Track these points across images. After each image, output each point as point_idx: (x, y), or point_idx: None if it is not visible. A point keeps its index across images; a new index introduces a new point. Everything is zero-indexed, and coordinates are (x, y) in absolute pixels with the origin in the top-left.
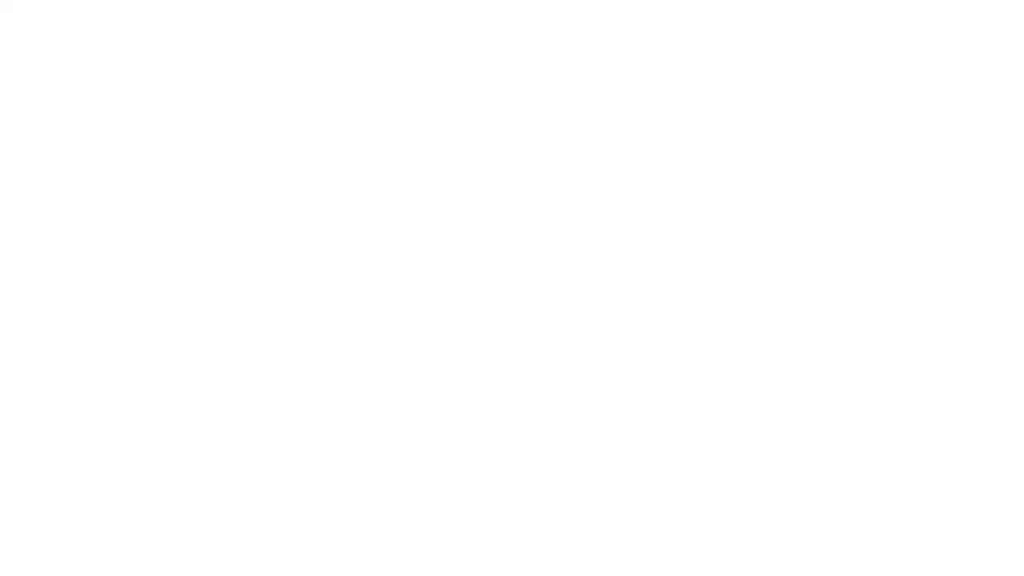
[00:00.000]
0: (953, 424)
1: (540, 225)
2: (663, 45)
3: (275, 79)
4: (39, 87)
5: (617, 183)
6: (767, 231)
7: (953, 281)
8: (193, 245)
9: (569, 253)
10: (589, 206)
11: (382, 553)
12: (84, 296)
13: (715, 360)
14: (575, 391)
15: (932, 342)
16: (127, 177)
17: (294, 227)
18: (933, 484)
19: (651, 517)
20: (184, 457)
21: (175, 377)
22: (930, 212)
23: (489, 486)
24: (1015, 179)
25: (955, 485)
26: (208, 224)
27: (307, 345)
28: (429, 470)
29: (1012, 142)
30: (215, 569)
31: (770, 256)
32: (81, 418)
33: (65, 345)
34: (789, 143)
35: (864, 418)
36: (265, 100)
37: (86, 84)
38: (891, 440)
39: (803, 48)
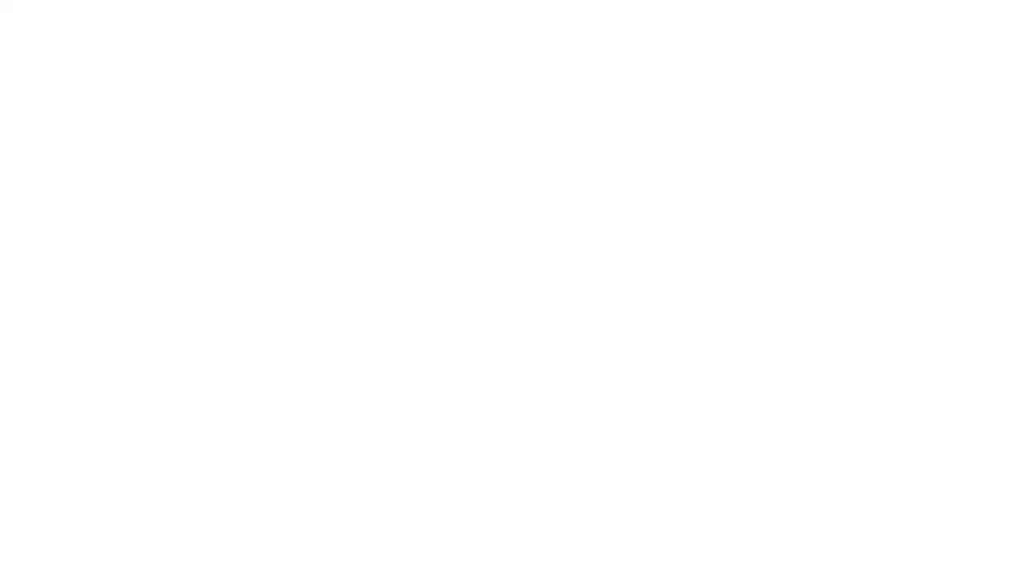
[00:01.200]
0: (953, 424)
1: (540, 225)
2: (663, 45)
3: (275, 79)
4: (39, 87)
5: (617, 183)
6: (767, 231)
7: (953, 280)
8: (193, 244)
9: (569, 253)
10: (589, 205)
11: (382, 553)
12: (84, 295)
13: (715, 360)
14: (575, 390)
15: (932, 341)
16: (127, 177)
17: (294, 226)
18: (933, 484)
19: (651, 517)
20: (184, 457)
21: (175, 376)
22: (930, 211)
23: (489, 486)
24: (1015, 179)
25: (955, 485)
26: (208, 223)
27: (307, 344)
28: (429, 470)
29: (1012, 142)
30: (215, 569)
31: (770, 255)
32: (81, 418)
33: (65, 345)
34: (789, 143)
35: (864, 418)
36: (265, 100)
37: (86, 84)
38: (891, 440)
39: (803, 48)
